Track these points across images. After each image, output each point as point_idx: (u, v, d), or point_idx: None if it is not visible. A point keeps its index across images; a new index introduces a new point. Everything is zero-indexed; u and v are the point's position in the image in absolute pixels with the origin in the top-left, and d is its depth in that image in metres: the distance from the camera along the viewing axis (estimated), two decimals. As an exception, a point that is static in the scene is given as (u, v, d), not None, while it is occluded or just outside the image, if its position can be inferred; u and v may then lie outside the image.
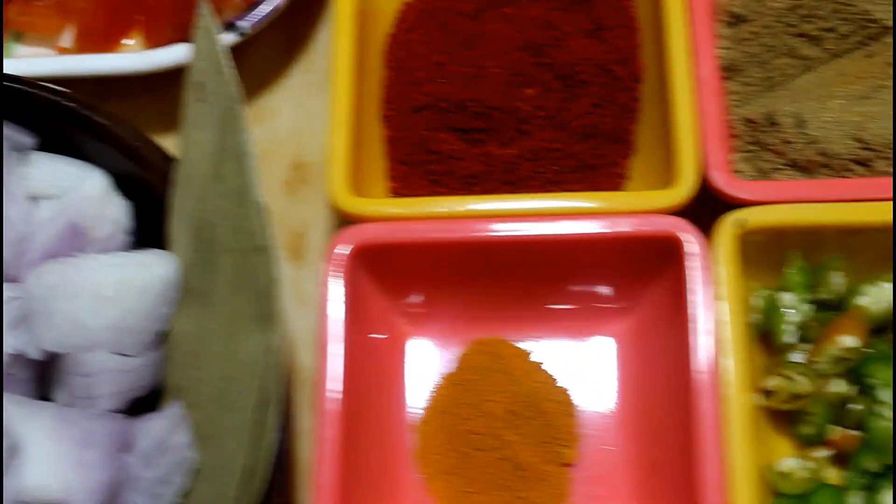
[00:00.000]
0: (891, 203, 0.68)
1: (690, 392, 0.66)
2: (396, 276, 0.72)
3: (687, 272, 0.68)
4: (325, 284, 0.68)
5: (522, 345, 0.74)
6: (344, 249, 0.69)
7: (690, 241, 0.68)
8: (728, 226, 0.69)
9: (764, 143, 0.74)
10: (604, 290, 0.73)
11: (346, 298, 0.68)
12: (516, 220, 0.69)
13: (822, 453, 0.69)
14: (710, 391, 0.65)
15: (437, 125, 0.74)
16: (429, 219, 0.70)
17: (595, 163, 0.74)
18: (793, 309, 0.69)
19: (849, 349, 0.68)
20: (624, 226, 0.69)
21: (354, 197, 0.70)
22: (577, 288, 0.73)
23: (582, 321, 0.74)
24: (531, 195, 0.71)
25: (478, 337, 0.74)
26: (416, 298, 0.74)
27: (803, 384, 0.68)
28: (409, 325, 0.75)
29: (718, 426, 0.65)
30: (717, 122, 0.71)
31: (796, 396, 0.69)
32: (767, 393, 0.70)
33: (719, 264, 0.68)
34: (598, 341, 0.74)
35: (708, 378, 0.66)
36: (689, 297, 0.67)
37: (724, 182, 0.69)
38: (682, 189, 0.69)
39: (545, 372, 0.73)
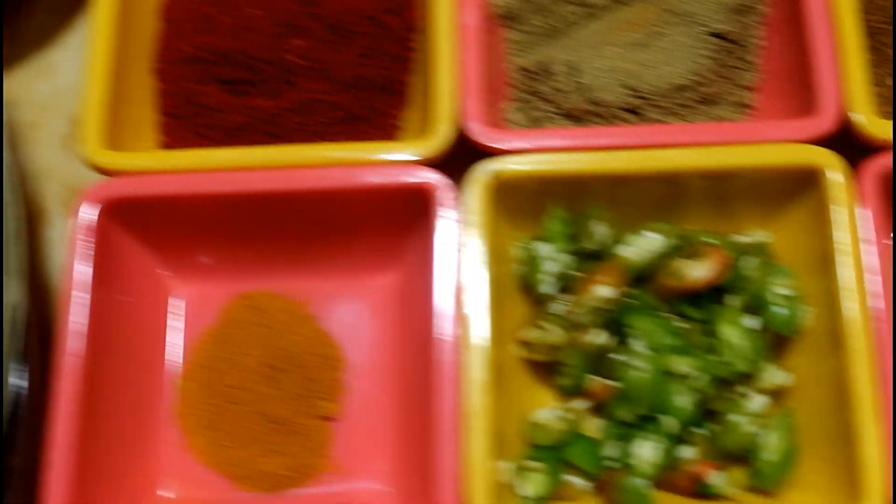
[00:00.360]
0: (659, 151, 0.67)
1: (431, 344, 0.64)
2: (157, 230, 0.71)
3: (436, 223, 0.66)
4: (71, 241, 0.67)
5: (294, 298, 0.73)
6: (90, 205, 0.67)
7: (443, 192, 0.67)
8: (479, 176, 0.67)
9: (538, 93, 0.73)
10: (369, 242, 0.72)
11: (95, 255, 0.67)
12: (273, 171, 0.68)
13: (580, 404, 0.68)
14: (449, 343, 0.64)
15: (204, 78, 0.73)
16: (181, 172, 0.68)
17: (364, 114, 0.72)
18: (552, 259, 0.68)
19: (606, 299, 0.67)
20: (374, 177, 0.67)
21: (108, 151, 0.68)
22: (342, 240, 0.72)
23: (351, 273, 0.73)
24: (283, 147, 0.69)
25: (246, 290, 0.73)
26: (179, 253, 0.72)
27: (557, 335, 0.67)
28: (173, 279, 0.73)
29: (455, 378, 0.63)
30: (478, 71, 0.69)
31: (553, 348, 0.68)
32: (527, 345, 0.68)
33: (470, 214, 0.66)
34: (367, 293, 0.73)
35: (447, 330, 0.64)
36: (436, 248, 0.66)
37: (479, 132, 0.68)
38: (437, 139, 0.67)
39: (314, 325, 0.72)
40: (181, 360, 0.72)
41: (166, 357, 0.72)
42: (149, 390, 0.70)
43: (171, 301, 0.73)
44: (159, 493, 0.69)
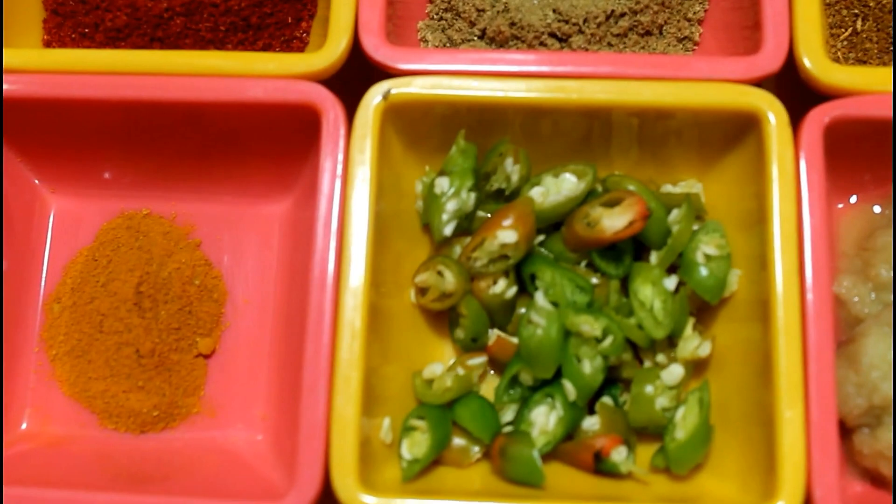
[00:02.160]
0: (582, 81, 0.57)
1: (310, 284, 0.56)
2: (34, 138, 0.62)
3: (323, 147, 0.58)
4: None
5: (178, 222, 0.64)
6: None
7: (331, 113, 0.58)
8: (372, 97, 0.58)
9: (456, 10, 0.63)
10: (259, 164, 0.63)
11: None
12: (149, 79, 0.59)
13: (476, 360, 0.60)
14: (326, 284, 0.56)
15: (88, -32, 0.64)
16: (56, 73, 0.60)
17: (260, 22, 0.63)
18: (454, 197, 0.59)
19: (511, 245, 0.58)
20: (256, 91, 0.58)
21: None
22: (232, 160, 0.63)
23: (240, 198, 0.64)
24: (158, 53, 0.60)
25: (127, 209, 0.64)
26: (58, 164, 0.64)
27: (453, 282, 0.59)
28: (49, 193, 0.65)
29: (329, 324, 0.55)
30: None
31: (449, 296, 0.59)
32: (422, 291, 0.60)
33: (361, 140, 0.58)
34: (256, 222, 0.64)
35: (326, 269, 0.56)
36: (323, 177, 0.57)
37: (375, 47, 0.58)
38: (330, 53, 0.58)
39: (196, 253, 0.63)
40: (53, 282, 0.63)
41: (43, 277, 0.64)
42: (21, 311, 0.62)
43: (46, 216, 0.64)
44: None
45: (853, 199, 0.60)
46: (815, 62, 0.56)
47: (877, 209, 0.59)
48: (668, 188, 0.59)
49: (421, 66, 0.57)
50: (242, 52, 0.59)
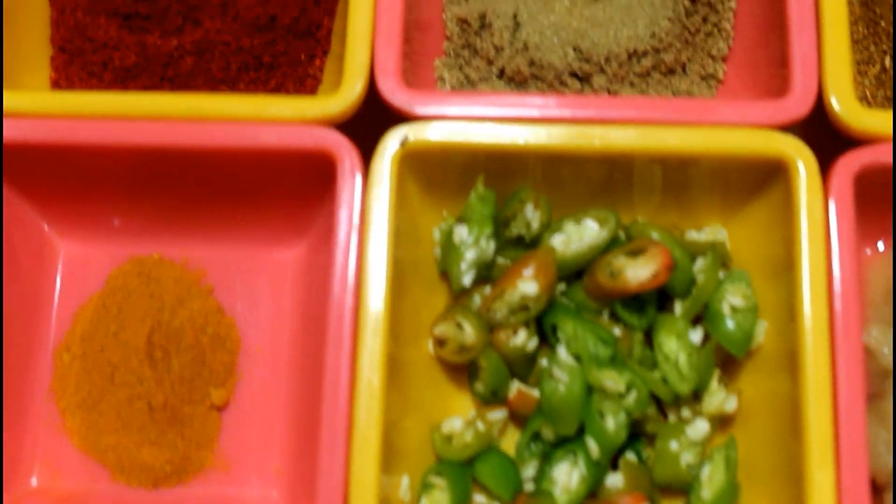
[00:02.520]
0: (604, 127, 0.55)
1: (326, 336, 0.54)
2: (43, 182, 0.60)
3: (339, 194, 0.56)
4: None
5: (189, 267, 0.63)
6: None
7: (347, 159, 0.56)
8: (390, 144, 0.56)
9: (475, 49, 0.61)
10: (273, 209, 0.61)
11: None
12: (159, 124, 0.57)
13: (497, 415, 0.58)
14: (343, 337, 0.54)
15: (97, 8, 0.62)
16: (66, 117, 0.58)
17: (272, 61, 0.61)
18: (473, 246, 0.57)
19: (532, 297, 0.56)
20: (269, 137, 0.56)
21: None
22: (245, 205, 0.61)
23: (253, 244, 0.62)
24: (165, 95, 0.58)
25: (137, 255, 0.63)
26: (67, 209, 0.62)
27: (473, 335, 0.57)
28: (59, 238, 0.63)
29: (346, 379, 0.53)
30: (400, 19, 0.58)
31: (468, 348, 0.57)
32: (441, 343, 0.58)
33: (378, 188, 0.56)
34: (269, 268, 0.62)
35: (342, 321, 0.54)
36: (339, 225, 0.55)
37: (392, 91, 0.57)
38: (346, 96, 0.56)
39: (209, 300, 0.62)
40: (63, 329, 0.61)
41: (53, 325, 0.62)
42: (26, 360, 0.60)
43: (55, 261, 0.63)
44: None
45: (881, 245, 0.58)
46: (845, 106, 0.55)
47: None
48: (692, 234, 0.58)
49: (439, 111, 0.55)
50: (254, 96, 0.57)
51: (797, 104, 0.55)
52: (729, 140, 0.55)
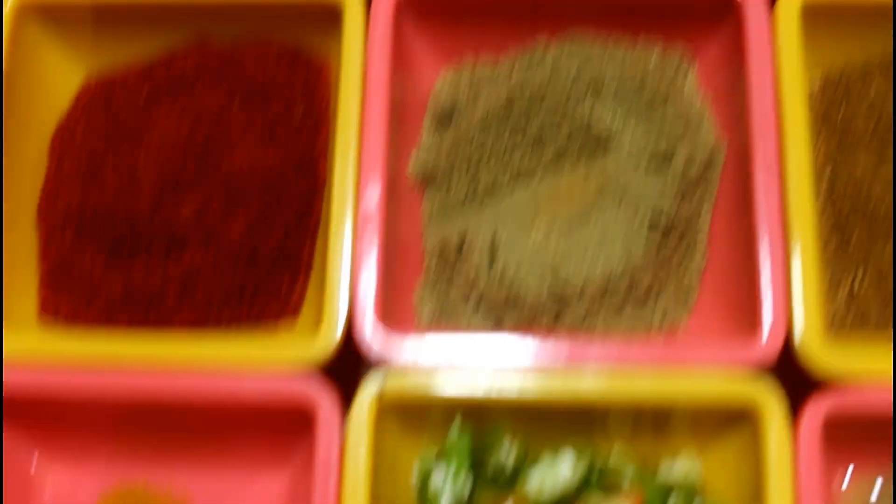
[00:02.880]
0: (573, 377, 0.57)
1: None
2: (28, 412, 0.62)
3: (318, 445, 0.57)
4: None
5: (174, 496, 0.64)
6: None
7: (325, 404, 0.57)
8: (367, 394, 0.58)
9: (452, 278, 0.63)
10: (255, 444, 0.62)
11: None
12: (143, 378, 0.59)
13: None
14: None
15: (83, 238, 0.63)
16: (50, 361, 0.60)
17: (256, 289, 0.63)
18: (450, 487, 0.58)
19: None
20: (250, 388, 0.58)
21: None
22: (227, 440, 0.62)
23: (238, 472, 0.63)
24: (158, 335, 0.59)
25: (121, 483, 0.64)
26: (50, 434, 0.63)
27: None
28: (42, 465, 0.64)
29: None
30: (378, 264, 0.59)
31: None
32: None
33: (354, 432, 0.57)
34: (255, 495, 0.63)
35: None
36: (318, 466, 0.57)
37: (370, 342, 0.58)
38: (325, 343, 0.58)
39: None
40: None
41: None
42: None
43: (37, 489, 0.63)
44: None
45: (846, 480, 0.60)
46: (813, 350, 0.56)
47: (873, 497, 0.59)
48: (666, 467, 0.59)
49: (415, 358, 0.57)
50: (236, 339, 0.58)
51: (767, 348, 0.56)
52: (701, 384, 0.56)
